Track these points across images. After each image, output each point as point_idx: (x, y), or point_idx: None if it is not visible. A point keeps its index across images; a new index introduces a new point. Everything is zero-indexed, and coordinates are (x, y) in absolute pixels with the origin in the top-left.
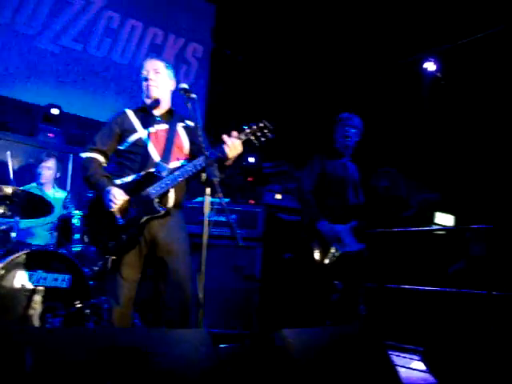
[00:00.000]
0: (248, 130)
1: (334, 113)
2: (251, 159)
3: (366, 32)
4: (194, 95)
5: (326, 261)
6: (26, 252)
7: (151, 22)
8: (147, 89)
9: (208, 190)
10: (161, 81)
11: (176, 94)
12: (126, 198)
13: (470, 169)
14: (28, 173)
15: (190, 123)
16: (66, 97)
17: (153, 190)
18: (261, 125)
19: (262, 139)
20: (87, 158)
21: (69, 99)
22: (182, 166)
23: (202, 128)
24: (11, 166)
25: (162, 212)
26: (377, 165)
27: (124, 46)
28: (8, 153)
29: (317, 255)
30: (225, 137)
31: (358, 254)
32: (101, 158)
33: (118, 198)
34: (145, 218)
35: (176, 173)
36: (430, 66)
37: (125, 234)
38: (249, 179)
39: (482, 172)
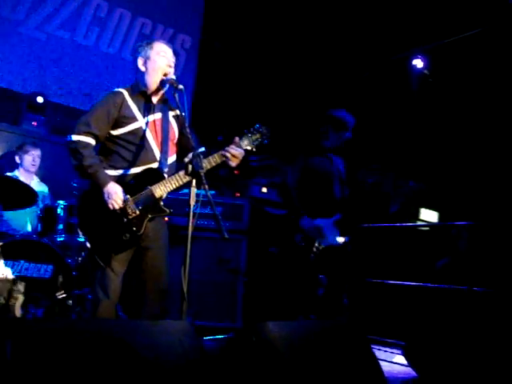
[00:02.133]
0: (248, 139)
1: (321, 108)
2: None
3: (354, 29)
4: (181, 86)
5: (310, 255)
6: (8, 241)
7: (140, 11)
8: (167, 68)
9: (194, 182)
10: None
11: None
12: (130, 197)
13: (456, 165)
14: (10, 161)
15: (178, 112)
16: (51, 85)
17: (158, 190)
18: (262, 131)
19: (257, 144)
20: (80, 141)
21: (54, 88)
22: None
23: (188, 119)
24: None
25: (168, 212)
26: (365, 160)
27: (112, 35)
28: None
29: (300, 249)
30: (230, 150)
31: (340, 247)
32: (93, 143)
33: (123, 197)
34: (149, 217)
35: (180, 175)
36: (419, 63)
37: (128, 233)
38: (235, 172)
39: (468, 168)
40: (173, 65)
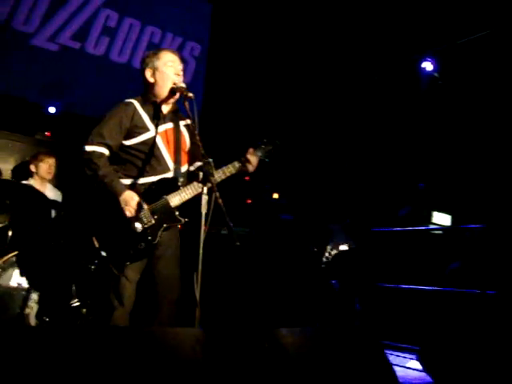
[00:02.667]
0: (262, 151)
1: (331, 112)
2: None
3: (364, 32)
4: (191, 94)
5: (323, 259)
6: (21, 250)
7: (149, 20)
8: (175, 77)
9: (205, 190)
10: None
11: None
12: (146, 206)
13: (469, 168)
14: (24, 171)
15: (189, 122)
16: (64, 95)
17: (174, 199)
18: (275, 143)
19: (271, 156)
20: (94, 152)
21: (66, 98)
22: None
23: (198, 127)
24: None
25: (183, 221)
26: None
27: (122, 45)
28: None
29: (313, 255)
30: (248, 156)
31: (351, 251)
32: (107, 154)
33: (138, 205)
34: (164, 226)
35: (195, 185)
36: (428, 65)
37: (143, 242)
38: (245, 178)
39: (480, 171)
40: (181, 73)
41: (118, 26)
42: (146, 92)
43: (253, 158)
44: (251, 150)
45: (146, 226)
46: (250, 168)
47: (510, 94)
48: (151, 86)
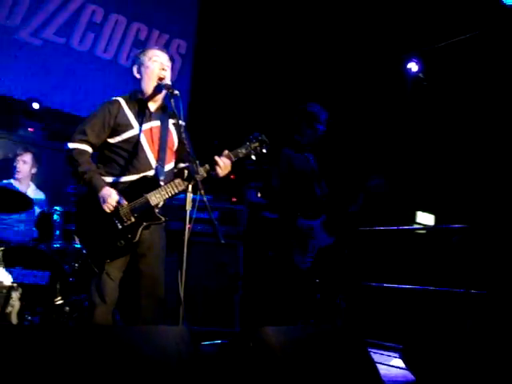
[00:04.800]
0: (247, 148)
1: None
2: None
3: (349, 33)
4: (177, 92)
5: (305, 258)
6: (4, 248)
7: (135, 16)
8: (160, 71)
9: (190, 187)
10: (170, 72)
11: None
12: (126, 202)
13: (452, 167)
14: (6, 168)
15: (179, 121)
16: (47, 91)
17: (154, 198)
18: (261, 139)
19: (257, 153)
20: (76, 149)
21: (50, 94)
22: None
23: (185, 126)
24: None
25: (163, 220)
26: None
27: (107, 41)
28: None
29: (296, 252)
30: (216, 158)
31: (330, 247)
32: (90, 151)
33: (119, 202)
34: (144, 225)
35: (175, 183)
36: (414, 66)
37: (123, 239)
38: (231, 177)
39: (464, 171)
40: (167, 68)
41: (104, 21)
42: (135, 90)
43: (224, 161)
44: (226, 152)
45: (125, 223)
46: (219, 171)
47: (494, 94)
48: (138, 82)
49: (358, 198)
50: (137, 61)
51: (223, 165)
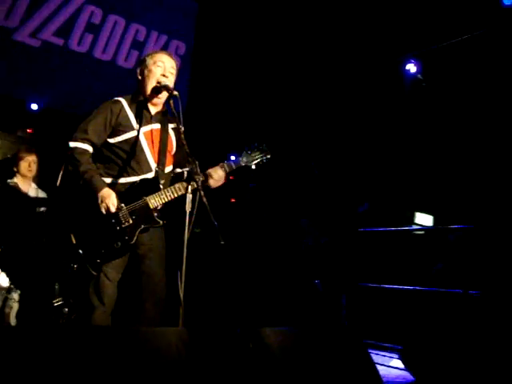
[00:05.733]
0: (247, 157)
1: (314, 112)
2: (232, 157)
3: (347, 35)
4: (176, 92)
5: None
6: (2, 249)
7: (134, 18)
8: (161, 77)
9: (189, 189)
10: (173, 78)
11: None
12: (124, 206)
13: (450, 169)
14: (5, 169)
15: (179, 125)
16: (46, 92)
17: (153, 201)
18: (261, 148)
19: (257, 162)
20: (77, 148)
21: (49, 94)
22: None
23: (182, 126)
24: None
25: (161, 223)
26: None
27: (106, 42)
28: None
29: (292, 251)
30: (211, 171)
31: (324, 246)
32: (90, 150)
33: (116, 203)
34: (142, 227)
35: (175, 187)
36: (412, 67)
37: (120, 241)
38: (230, 178)
39: (462, 172)
40: (169, 75)
41: (103, 22)
42: (137, 91)
43: (218, 173)
44: (220, 164)
45: (123, 225)
46: (212, 183)
47: (492, 95)
48: (139, 83)
49: (364, 203)
50: (142, 63)
51: (217, 176)
